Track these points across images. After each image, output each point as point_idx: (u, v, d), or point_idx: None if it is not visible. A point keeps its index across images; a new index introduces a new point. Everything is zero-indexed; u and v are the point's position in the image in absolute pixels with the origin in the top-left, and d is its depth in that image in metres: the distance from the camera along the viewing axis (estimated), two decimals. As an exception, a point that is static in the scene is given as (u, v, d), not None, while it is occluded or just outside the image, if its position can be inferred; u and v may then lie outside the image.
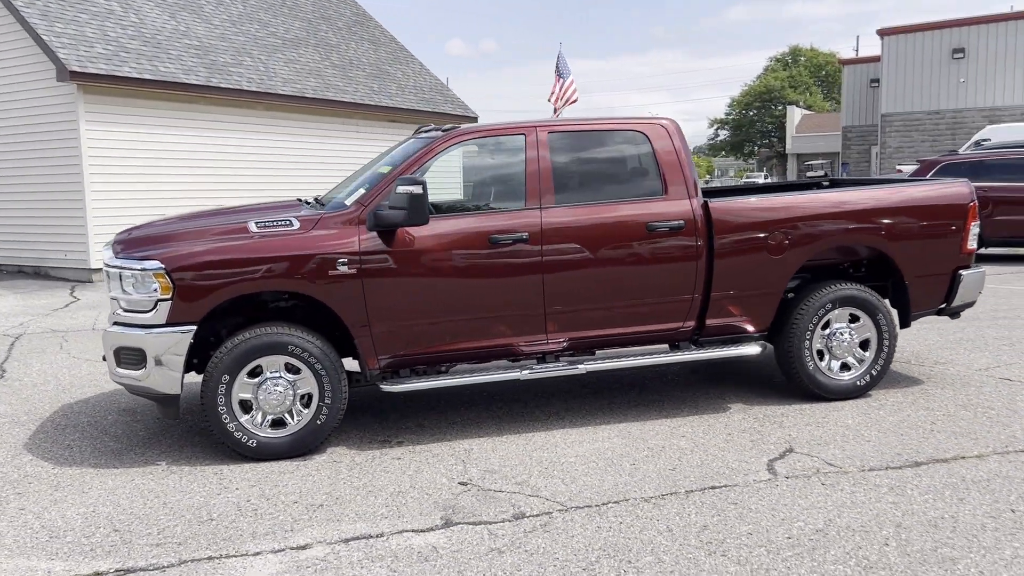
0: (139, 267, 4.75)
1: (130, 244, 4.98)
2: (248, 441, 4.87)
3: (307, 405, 4.97)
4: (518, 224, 5.15)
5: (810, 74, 78.22)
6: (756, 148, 78.57)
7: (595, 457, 4.82)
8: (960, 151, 27.29)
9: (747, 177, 65.02)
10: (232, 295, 4.82)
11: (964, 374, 6.40)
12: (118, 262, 4.86)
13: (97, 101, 13.42)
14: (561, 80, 22.92)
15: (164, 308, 4.72)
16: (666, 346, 5.78)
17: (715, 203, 5.49)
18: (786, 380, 5.94)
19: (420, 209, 4.75)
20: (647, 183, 5.48)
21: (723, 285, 5.49)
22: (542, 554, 3.62)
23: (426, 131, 6.23)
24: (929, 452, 4.72)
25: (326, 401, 4.96)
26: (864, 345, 5.82)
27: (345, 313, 4.96)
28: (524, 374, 5.25)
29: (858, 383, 5.82)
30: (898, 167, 29.44)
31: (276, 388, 4.88)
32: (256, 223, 4.98)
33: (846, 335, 5.76)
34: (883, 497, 4.11)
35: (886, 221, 5.73)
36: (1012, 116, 38.05)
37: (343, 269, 4.91)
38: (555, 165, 5.31)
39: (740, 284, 5.54)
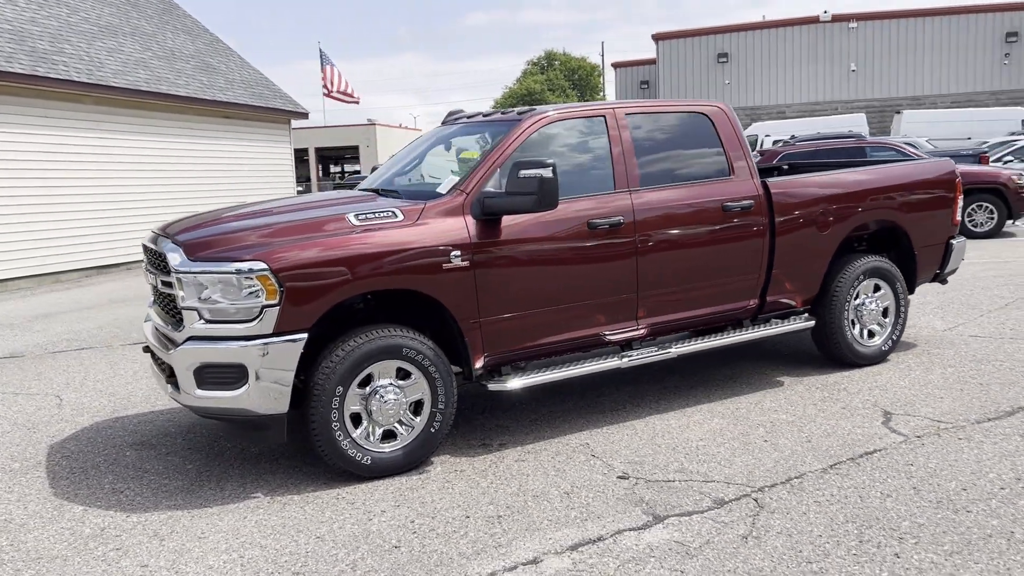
0: (234, 269, 4.06)
1: (206, 245, 4.25)
2: (363, 459, 4.34)
3: (416, 413, 4.51)
4: (612, 208, 4.99)
5: (565, 77, 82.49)
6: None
7: (717, 438, 4.79)
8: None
9: None
10: (345, 296, 4.27)
11: (939, 335, 7.05)
12: (199, 266, 4.13)
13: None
14: (332, 69, 24.74)
15: (271, 315, 4.08)
16: (741, 326, 5.84)
17: (773, 182, 5.65)
18: (819, 349, 6.22)
19: (551, 193, 4.45)
20: (715, 165, 5.52)
21: (782, 262, 5.66)
22: (791, 535, 3.54)
23: (457, 118, 5.88)
24: (1009, 402, 5.16)
25: (439, 407, 4.53)
26: (884, 313, 6.25)
27: (457, 309, 4.55)
28: (624, 362, 5.09)
29: (882, 348, 6.24)
30: None
31: (389, 397, 4.39)
32: (356, 215, 4.44)
33: (872, 304, 6.15)
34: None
35: (903, 196, 6.18)
36: (769, 114, 42.21)
37: (456, 262, 4.50)
38: (636, 147, 5.21)
39: (795, 260, 5.73)
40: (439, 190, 4.76)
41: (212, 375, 4.15)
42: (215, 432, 5.33)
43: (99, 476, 4.65)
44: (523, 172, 4.42)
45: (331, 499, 4.19)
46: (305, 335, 4.17)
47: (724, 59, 44.51)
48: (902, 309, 6.29)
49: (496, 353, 4.77)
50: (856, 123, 33.72)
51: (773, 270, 5.65)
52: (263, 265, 4.05)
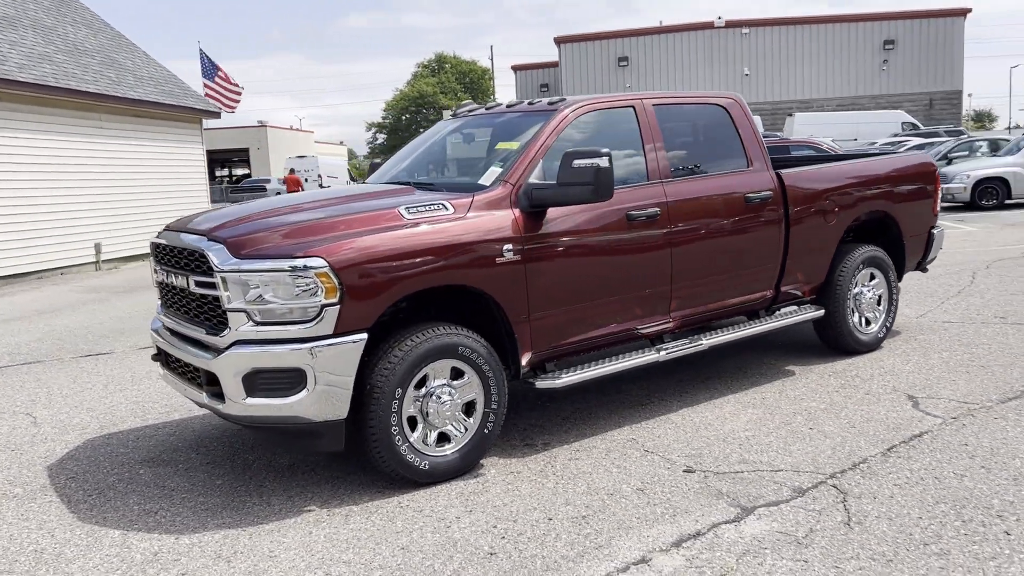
0: (289, 266, 3.78)
1: (254, 241, 3.94)
2: (421, 464, 4.12)
3: (468, 414, 4.33)
4: (649, 199, 4.93)
5: (456, 80, 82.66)
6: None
7: (761, 428, 4.79)
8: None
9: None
10: (404, 292, 4.04)
11: (914, 323, 7.31)
12: (249, 264, 3.83)
13: None
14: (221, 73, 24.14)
15: (331, 315, 3.81)
16: (756, 317, 5.87)
17: (786, 174, 5.72)
18: (821, 338, 6.34)
19: (608, 183, 4.34)
20: (734, 156, 5.54)
21: (794, 252, 5.74)
22: (891, 519, 3.55)
23: (472, 110, 5.71)
24: (1020, 382, 5.37)
25: (492, 407, 4.36)
26: (878, 301, 6.43)
27: (508, 304, 4.39)
28: (662, 355, 5.03)
29: (878, 335, 6.42)
30: None
31: (444, 398, 4.19)
32: (407, 208, 4.21)
33: (869, 293, 6.32)
34: (1051, 421, 4.63)
35: (894, 187, 6.39)
36: (669, 117, 43.20)
37: (508, 256, 4.34)
38: (665, 138, 5.17)
39: (806, 250, 5.82)
40: (482, 182, 4.58)
41: (265, 381, 3.85)
42: (230, 443, 4.97)
43: (120, 497, 4.25)
44: (577, 162, 4.30)
45: (395, 508, 3.95)
46: (365, 335, 3.92)
47: (625, 63, 45.51)
48: (894, 297, 6.50)
49: (541, 350, 4.63)
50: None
51: (787, 260, 5.72)
52: (322, 261, 3.79)
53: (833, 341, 6.25)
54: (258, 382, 3.85)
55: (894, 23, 43.48)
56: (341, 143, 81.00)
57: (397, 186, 5.00)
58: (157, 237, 4.59)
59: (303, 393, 3.82)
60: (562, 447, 4.68)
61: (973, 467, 4.04)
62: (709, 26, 44.51)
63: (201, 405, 4.27)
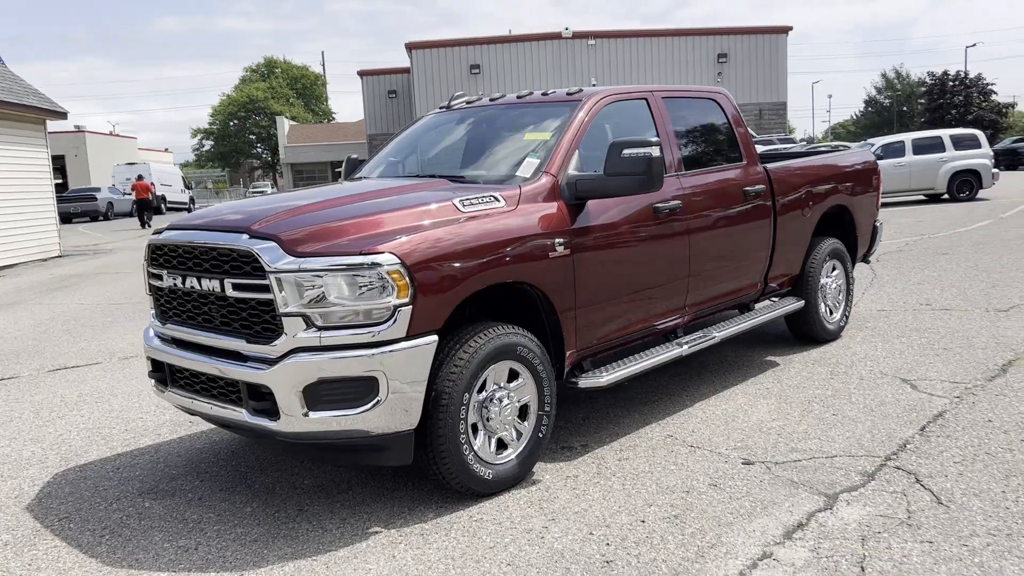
0: (357, 263, 3.43)
1: (315, 237, 3.54)
2: (486, 474, 3.86)
3: (522, 418, 4.10)
4: (670, 192, 4.88)
5: (288, 85, 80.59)
6: (244, 159, 78.55)
7: (785, 417, 4.84)
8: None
9: (253, 189, 64.11)
10: (471, 290, 3.76)
11: (854, 312, 7.68)
12: (312, 262, 3.43)
13: None
14: None
15: (404, 316, 3.49)
16: (747, 309, 5.94)
17: (770, 168, 5.84)
18: (792, 328, 6.52)
19: (659, 173, 4.23)
20: (730, 150, 5.59)
21: (779, 244, 5.87)
22: (978, 495, 3.63)
23: (470, 102, 5.47)
24: (991, 361, 5.72)
25: (545, 409, 4.15)
26: (839, 291, 6.71)
27: (559, 300, 4.20)
28: (685, 349, 4.97)
29: (840, 324, 6.70)
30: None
31: (505, 401, 3.95)
32: (461, 201, 3.93)
33: (832, 284, 6.58)
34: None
35: (852, 181, 6.69)
36: (521, 124, 43.66)
37: (560, 250, 4.15)
38: (675, 131, 5.14)
39: (788, 242, 5.97)
40: (521, 174, 4.36)
41: (330, 393, 3.46)
42: (231, 466, 4.48)
43: (142, 536, 3.69)
44: (627, 151, 4.17)
45: (469, 522, 3.67)
46: (436, 338, 3.62)
47: (477, 70, 45.71)
48: (851, 287, 6.80)
49: (583, 348, 4.47)
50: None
51: (775, 252, 5.85)
52: (393, 258, 3.45)
53: (805, 331, 6.45)
54: (322, 394, 3.46)
55: (727, 38, 46.15)
56: (166, 150, 76.48)
57: (426, 179, 4.67)
58: (159, 237, 4.06)
59: (374, 403, 3.47)
60: (603, 448, 4.53)
61: (1013, 440, 4.24)
62: (557, 36, 45.52)
63: (232, 425, 3.81)
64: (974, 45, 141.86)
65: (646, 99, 5.07)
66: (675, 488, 3.93)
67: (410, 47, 45.86)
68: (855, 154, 7.11)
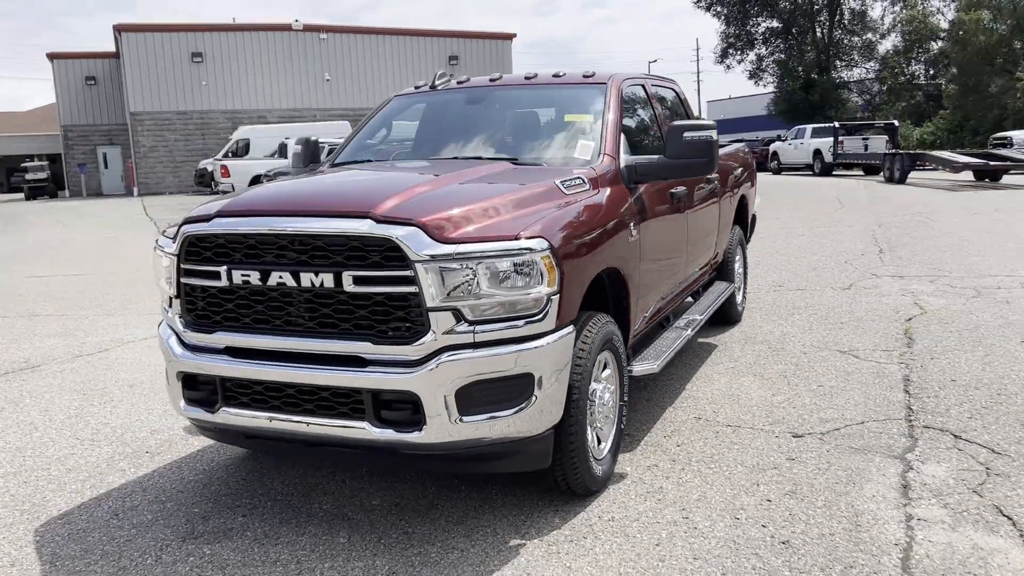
0: (515, 248, 3.09)
1: (459, 221, 3.13)
2: (598, 470, 3.68)
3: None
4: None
5: None
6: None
7: (784, 392, 5.08)
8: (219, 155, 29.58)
9: None
10: (591, 277, 3.54)
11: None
12: (465, 248, 3.03)
13: None
14: None
15: (554, 306, 3.20)
16: (697, 294, 6.13)
17: (714, 156, 6.13)
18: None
19: (716, 156, 4.25)
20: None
21: (720, 229, 6.19)
22: (1020, 442, 4.11)
23: (454, 82, 5.13)
24: (894, 329, 6.47)
25: (624, 399, 4.03)
26: (742, 274, 7.21)
27: (632, 286, 4.09)
28: (689, 332, 5.04)
29: (744, 305, 7.21)
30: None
31: (606, 396, 3.78)
32: (563, 184, 3.68)
33: (739, 267, 7.06)
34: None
35: (748, 171, 7.22)
36: (251, 119, 41.55)
37: (635, 234, 4.05)
38: (661, 118, 5.21)
39: (724, 226, 6.31)
40: (579, 156, 4.18)
41: (486, 394, 3.09)
42: (270, 491, 3.82)
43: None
44: (688, 135, 4.16)
45: (607, 523, 3.45)
46: (574, 328, 3.37)
47: (199, 59, 42.57)
48: (747, 269, 7.34)
49: (635, 334, 4.40)
50: (340, 130, 35.26)
51: (719, 236, 6.15)
52: (544, 243, 3.16)
53: (725, 313, 6.85)
54: (476, 396, 3.07)
55: (458, 40, 47.30)
56: None
57: (488, 162, 4.25)
58: (207, 226, 3.33)
59: (528, 403, 3.15)
60: (648, 435, 4.48)
61: (993, 393, 4.83)
62: (287, 28, 43.76)
63: (333, 443, 3.25)
64: (655, 61, 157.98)
65: (643, 84, 5.08)
66: (761, 466, 3.99)
67: (120, 29, 41.51)
68: (741, 147, 7.68)
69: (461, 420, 3.06)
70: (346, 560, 3.21)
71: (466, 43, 47.63)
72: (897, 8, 54.35)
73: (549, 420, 3.27)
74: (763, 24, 58.36)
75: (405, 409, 3.09)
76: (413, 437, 3.08)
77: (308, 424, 3.22)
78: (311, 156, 5.07)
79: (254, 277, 3.22)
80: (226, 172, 28.36)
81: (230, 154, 30.62)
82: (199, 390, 3.45)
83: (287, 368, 3.21)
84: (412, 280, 3.00)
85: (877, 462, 3.97)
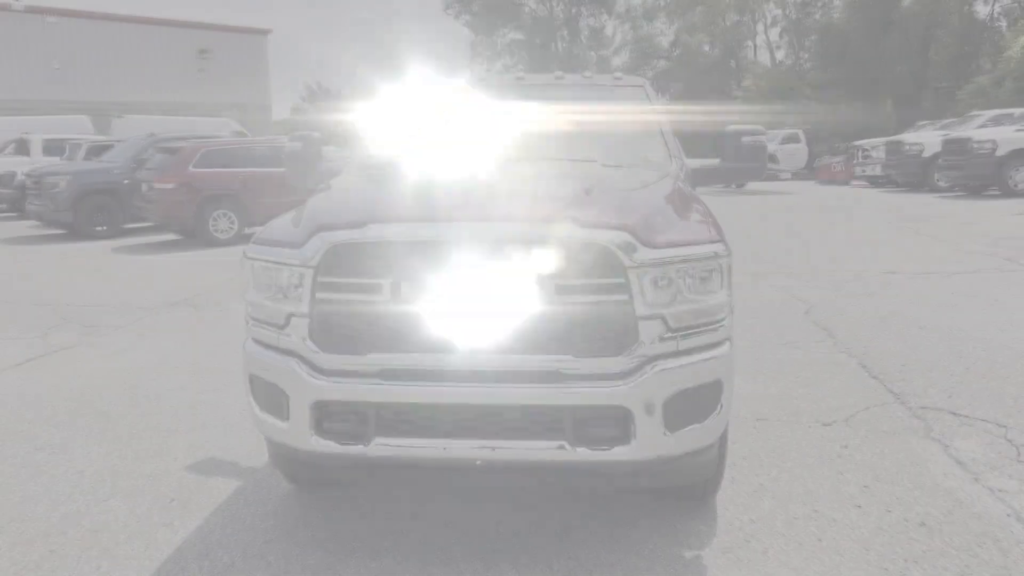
0: (710, 253, 3.03)
1: (660, 226, 3.01)
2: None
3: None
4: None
5: None
6: None
7: (780, 385, 5.39)
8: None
9: None
10: (727, 281, 3.53)
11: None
12: (674, 252, 2.92)
13: None
14: None
15: (730, 310, 3.18)
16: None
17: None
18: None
19: (766, 161, 4.38)
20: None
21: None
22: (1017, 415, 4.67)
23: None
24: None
25: (706, 401, 4.07)
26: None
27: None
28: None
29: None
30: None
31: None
32: (679, 185, 3.63)
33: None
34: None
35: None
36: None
37: (709, 237, 4.10)
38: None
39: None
40: (652, 158, 4.17)
41: (687, 405, 2.98)
42: (331, 523, 3.39)
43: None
44: (746, 139, 4.28)
45: (750, 525, 3.48)
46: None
47: None
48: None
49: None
50: (80, 126, 31.92)
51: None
52: (724, 247, 3.12)
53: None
54: (680, 407, 2.96)
55: (208, 32, 44.50)
56: None
57: (582, 163, 4.00)
58: (371, 233, 2.88)
59: (718, 411, 3.10)
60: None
61: (964, 379, 5.44)
62: (6, 8, 38.65)
63: (545, 466, 2.96)
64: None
65: (643, 85, 5.13)
66: (826, 456, 4.21)
67: None
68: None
69: (668, 433, 2.93)
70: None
71: (218, 35, 44.95)
72: (626, 27, 59.42)
73: (722, 427, 3.22)
74: (508, 35, 60.98)
75: (608, 425, 2.89)
76: (618, 454, 2.90)
77: (494, 449, 2.91)
78: (314, 156, 4.54)
79: (429, 289, 2.85)
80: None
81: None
82: (338, 420, 2.99)
83: (469, 387, 2.89)
84: (623, 288, 2.83)
85: (914, 443, 4.33)
